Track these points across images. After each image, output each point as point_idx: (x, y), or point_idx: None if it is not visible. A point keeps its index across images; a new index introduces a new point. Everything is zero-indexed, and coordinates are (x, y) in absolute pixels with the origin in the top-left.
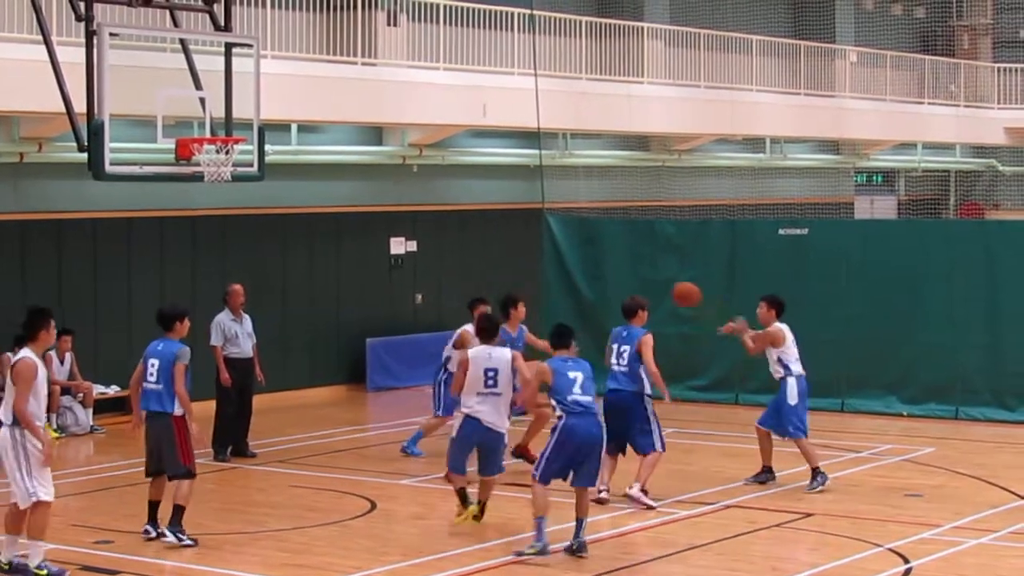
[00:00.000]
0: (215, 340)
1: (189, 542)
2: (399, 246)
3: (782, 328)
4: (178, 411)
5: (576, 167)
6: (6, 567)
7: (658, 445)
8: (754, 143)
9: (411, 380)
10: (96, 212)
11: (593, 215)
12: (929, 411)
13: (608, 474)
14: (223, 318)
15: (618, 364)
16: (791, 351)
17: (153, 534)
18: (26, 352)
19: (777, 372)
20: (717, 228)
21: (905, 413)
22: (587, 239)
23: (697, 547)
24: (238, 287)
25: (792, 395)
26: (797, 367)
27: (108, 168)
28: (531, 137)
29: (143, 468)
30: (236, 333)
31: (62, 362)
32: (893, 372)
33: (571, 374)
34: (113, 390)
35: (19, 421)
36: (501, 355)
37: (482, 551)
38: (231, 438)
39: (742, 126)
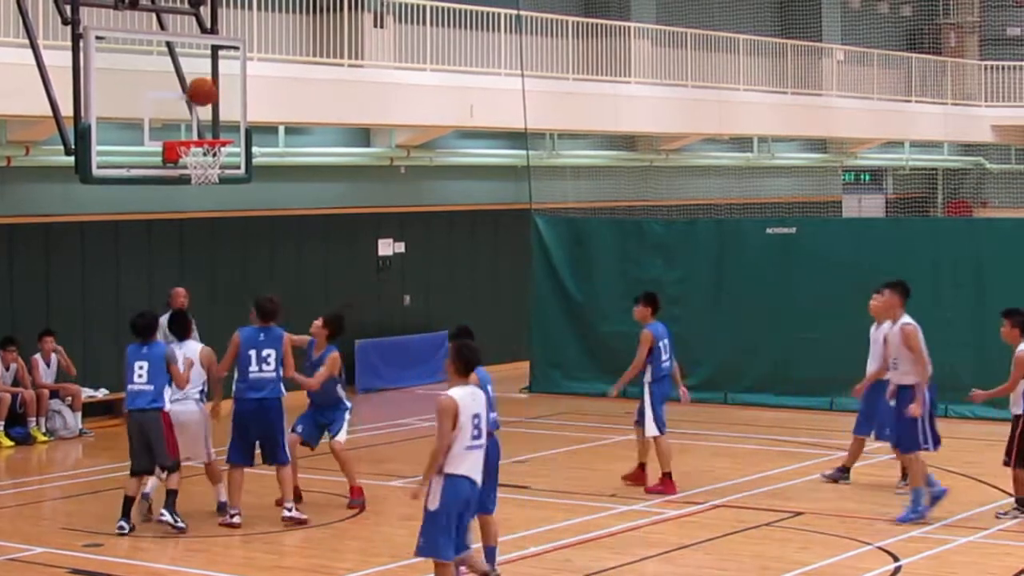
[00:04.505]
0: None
1: (182, 525)
2: (387, 247)
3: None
4: (168, 407)
5: (563, 167)
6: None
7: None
8: (741, 142)
9: (400, 381)
10: (84, 215)
11: (581, 215)
12: None
13: (238, 493)
14: (164, 320)
15: (261, 370)
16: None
17: (127, 529)
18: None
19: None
20: (705, 227)
21: None
22: (575, 239)
23: (687, 547)
24: (179, 289)
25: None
26: None
27: (95, 171)
28: (518, 138)
29: (128, 472)
30: None
31: (48, 364)
32: None
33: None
34: (102, 393)
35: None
36: None
37: (473, 551)
38: None
39: (729, 125)
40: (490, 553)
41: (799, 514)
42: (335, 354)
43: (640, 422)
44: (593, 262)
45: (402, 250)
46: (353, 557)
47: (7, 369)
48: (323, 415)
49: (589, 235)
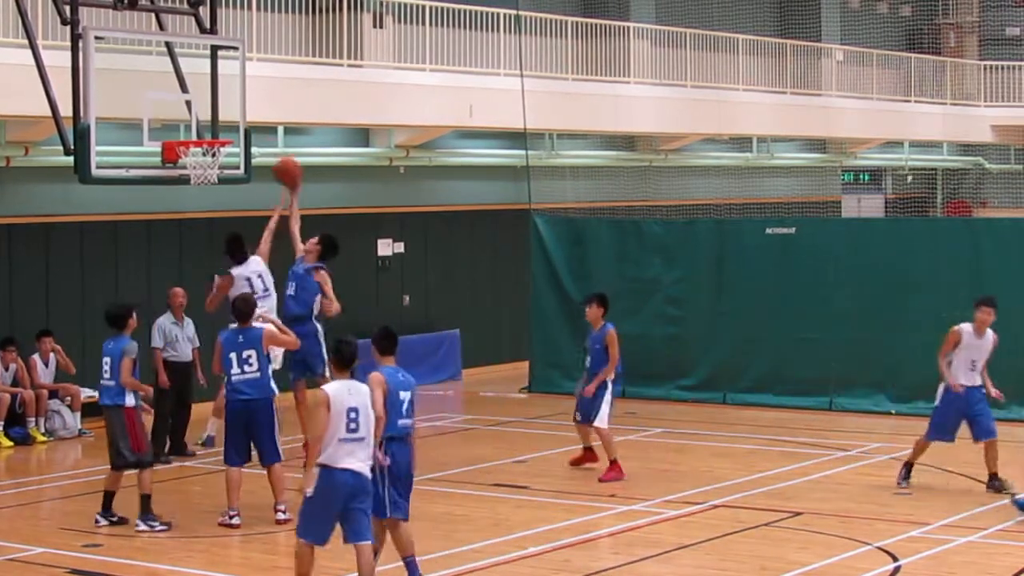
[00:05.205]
0: (155, 342)
1: (162, 527)
2: (386, 247)
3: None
4: (129, 403)
5: (563, 167)
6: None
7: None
8: (741, 142)
9: None
10: (83, 215)
11: (580, 215)
12: (917, 409)
13: (236, 493)
14: (164, 321)
15: (243, 372)
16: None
17: (103, 522)
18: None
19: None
20: (704, 228)
21: (893, 411)
22: (574, 239)
23: (686, 547)
24: (177, 289)
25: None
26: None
27: (94, 171)
28: (518, 138)
29: (129, 473)
30: (176, 336)
31: (46, 364)
32: (881, 370)
33: None
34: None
35: None
36: None
37: (472, 552)
38: (169, 438)
39: (729, 125)
40: (410, 566)
41: (798, 514)
42: (324, 272)
43: (585, 421)
44: (592, 262)
45: (401, 250)
46: (352, 557)
47: (6, 369)
48: (301, 353)
49: (588, 235)
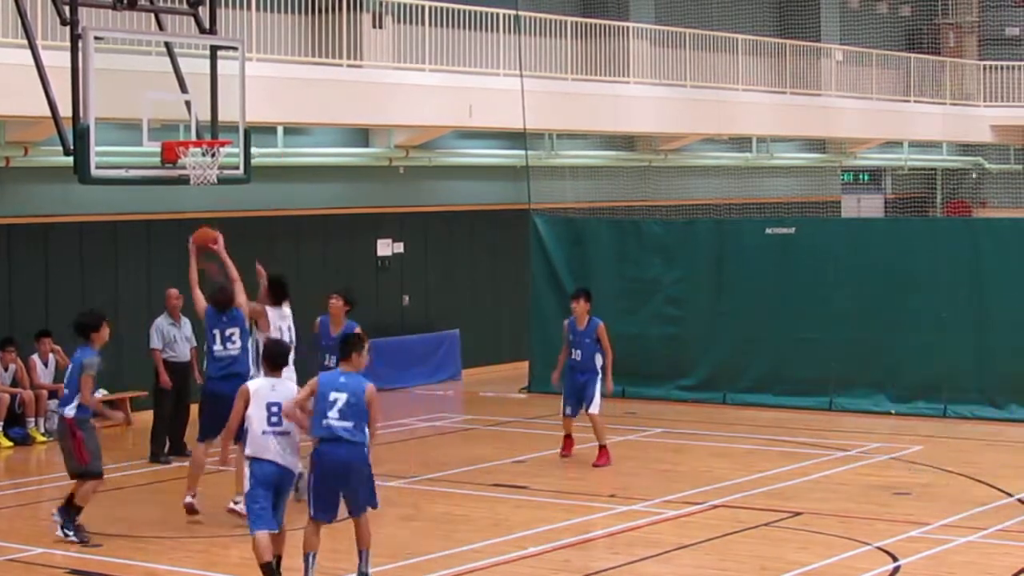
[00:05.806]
0: (154, 343)
1: (73, 539)
2: (386, 248)
3: None
4: (69, 414)
5: (562, 167)
6: None
7: None
8: (740, 142)
9: (399, 382)
10: (82, 216)
11: (580, 215)
12: (917, 409)
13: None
14: (162, 322)
15: (226, 348)
16: None
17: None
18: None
19: None
20: (704, 228)
21: (893, 411)
22: (574, 239)
23: (686, 547)
24: (173, 291)
25: None
26: None
27: (94, 171)
28: (517, 138)
29: (129, 473)
30: (174, 337)
31: (46, 364)
32: (881, 370)
33: None
34: (100, 394)
35: None
36: None
37: (472, 552)
38: (169, 438)
39: (728, 125)
40: (305, 560)
41: (798, 514)
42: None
43: (575, 414)
44: (592, 262)
45: (401, 250)
46: (353, 558)
47: (5, 370)
48: None
49: (588, 235)
